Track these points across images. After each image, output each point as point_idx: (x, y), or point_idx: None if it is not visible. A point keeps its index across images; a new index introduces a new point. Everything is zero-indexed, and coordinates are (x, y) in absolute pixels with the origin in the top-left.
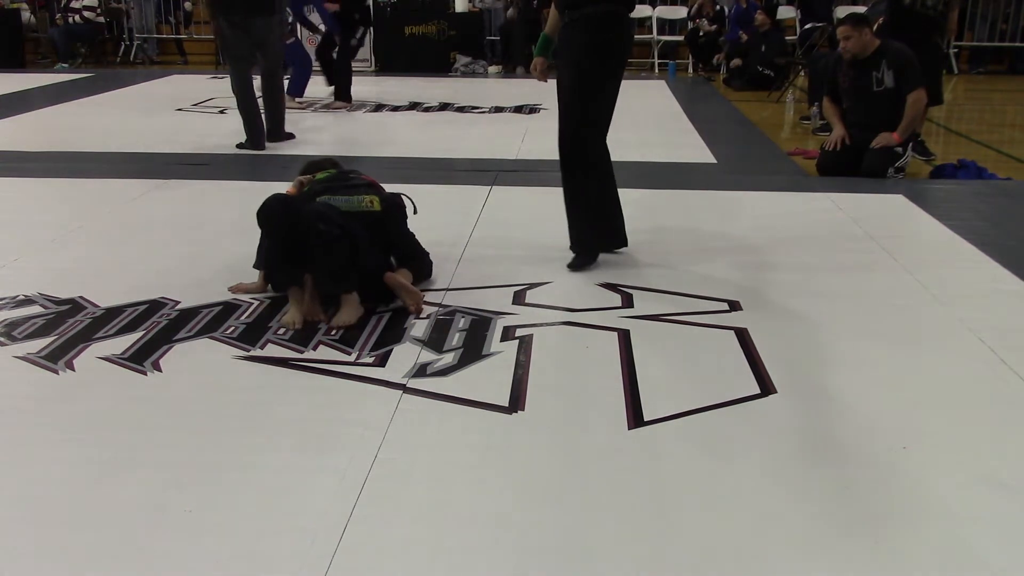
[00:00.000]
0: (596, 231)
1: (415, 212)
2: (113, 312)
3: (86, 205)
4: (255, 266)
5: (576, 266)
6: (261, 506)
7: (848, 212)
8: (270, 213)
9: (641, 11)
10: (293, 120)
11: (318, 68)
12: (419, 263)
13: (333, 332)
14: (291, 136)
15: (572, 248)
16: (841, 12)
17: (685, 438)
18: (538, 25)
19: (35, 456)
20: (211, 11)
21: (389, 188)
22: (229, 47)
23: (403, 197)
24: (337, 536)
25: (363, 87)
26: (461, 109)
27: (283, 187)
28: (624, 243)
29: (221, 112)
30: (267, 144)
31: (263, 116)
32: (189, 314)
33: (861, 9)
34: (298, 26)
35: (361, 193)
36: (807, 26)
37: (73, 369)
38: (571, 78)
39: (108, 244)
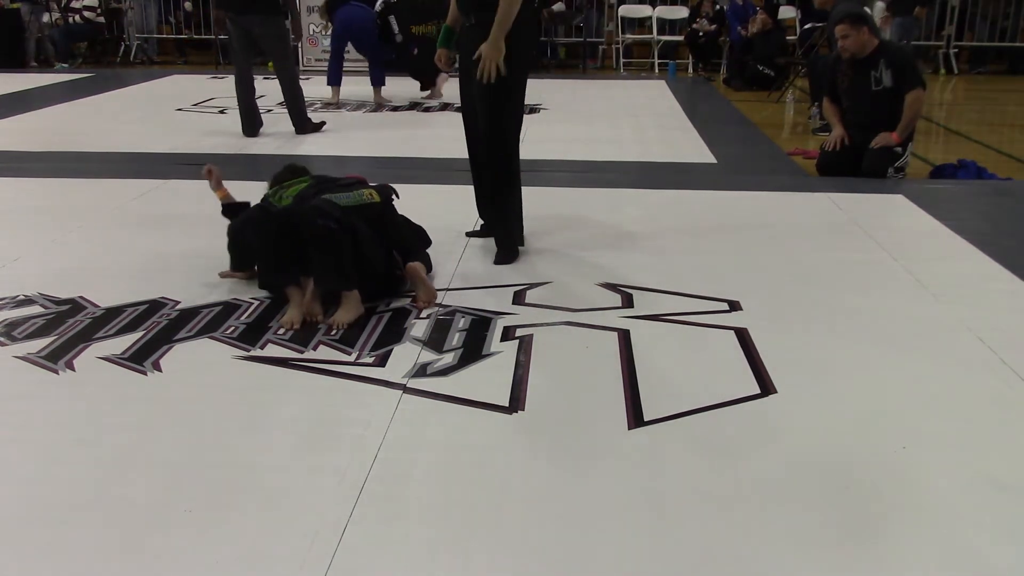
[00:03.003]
0: (519, 225)
1: (397, 197)
2: (113, 312)
3: (86, 205)
4: (232, 268)
5: (507, 260)
6: (261, 506)
7: (848, 212)
8: (252, 222)
9: (641, 11)
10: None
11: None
12: (423, 257)
13: (333, 331)
14: (320, 124)
15: (503, 243)
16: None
17: (685, 438)
18: (539, 25)
19: (35, 456)
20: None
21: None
22: (229, 41)
23: (389, 187)
24: (337, 536)
25: (363, 87)
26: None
27: None
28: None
29: (221, 112)
30: (298, 135)
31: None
32: (189, 314)
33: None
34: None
35: (358, 188)
36: (807, 26)
37: (73, 369)
38: (491, 87)
39: (108, 244)
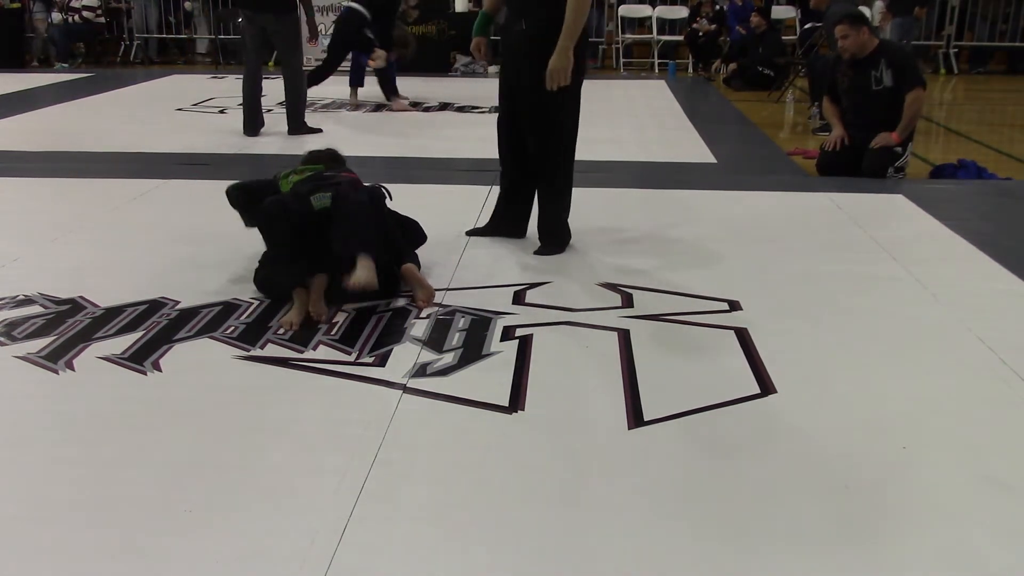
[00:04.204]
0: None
1: (391, 199)
2: (113, 312)
3: (86, 205)
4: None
5: (549, 253)
6: (261, 506)
7: (848, 212)
8: (273, 215)
9: (641, 11)
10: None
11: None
12: (413, 257)
13: (336, 321)
14: (316, 131)
15: (550, 239)
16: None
17: (685, 438)
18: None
19: (35, 456)
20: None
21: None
22: (242, 38)
23: (381, 187)
24: (337, 536)
25: (363, 87)
26: (461, 109)
27: None
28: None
29: (221, 112)
30: (289, 136)
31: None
32: (189, 314)
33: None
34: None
35: (347, 188)
36: (807, 26)
37: (73, 369)
38: (543, 93)
39: (108, 244)
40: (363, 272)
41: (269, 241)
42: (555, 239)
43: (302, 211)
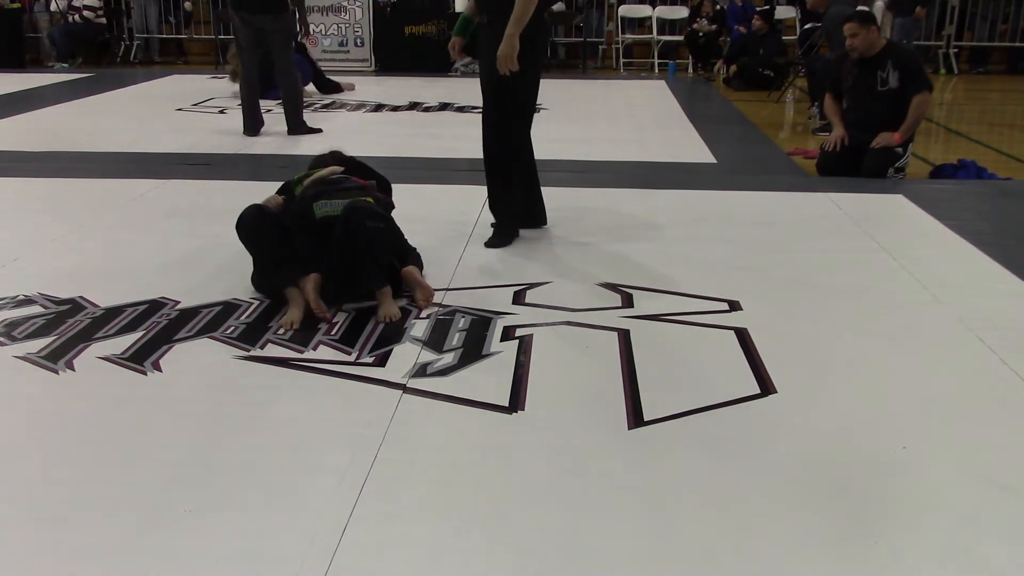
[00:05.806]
0: (517, 215)
1: (394, 207)
2: (113, 312)
3: (86, 205)
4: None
5: (497, 244)
6: (261, 506)
7: (848, 212)
8: (250, 224)
9: (641, 11)
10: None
11: None
12: (415, 258)
13: (381, 323)
14: (315, 131)
15: (494, 230)
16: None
17: (685, 438)
18: (547, 25)
19: (35, 456)
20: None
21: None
22: (237, 39)
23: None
24: (337, 536)
25: (363, 87)
26: (461, 109)
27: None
28: (544, 222)
29: (221, 112)
30: (289, 136)
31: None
32: (189, 314)
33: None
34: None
35: (355, 195)
36: (807, 26)
37: (73, 369)
38: (493, 80)
39: (108, 244)
40: (388, 307)
41: (250, 248)
42: (497, 231)
43: (303, 215)
